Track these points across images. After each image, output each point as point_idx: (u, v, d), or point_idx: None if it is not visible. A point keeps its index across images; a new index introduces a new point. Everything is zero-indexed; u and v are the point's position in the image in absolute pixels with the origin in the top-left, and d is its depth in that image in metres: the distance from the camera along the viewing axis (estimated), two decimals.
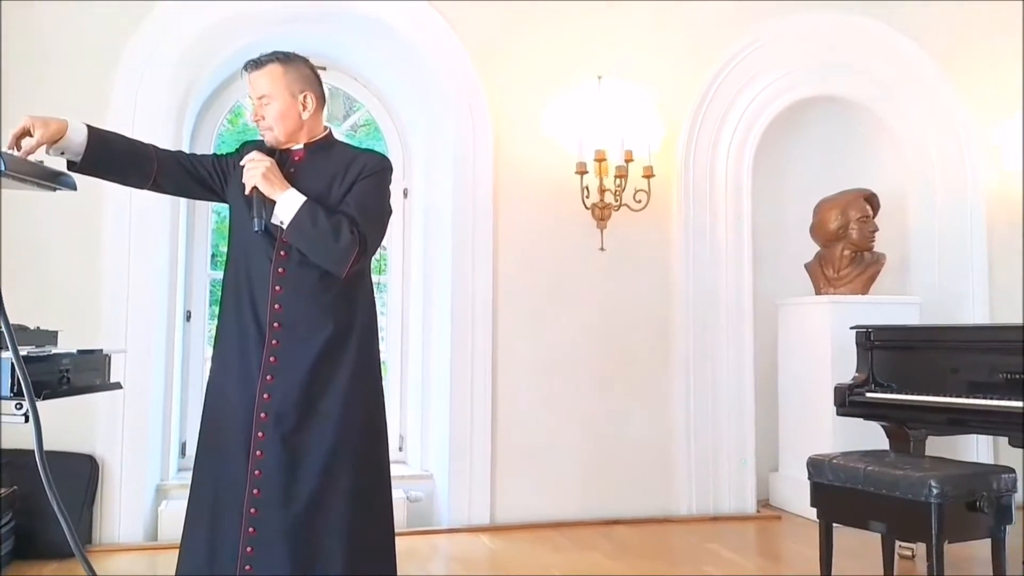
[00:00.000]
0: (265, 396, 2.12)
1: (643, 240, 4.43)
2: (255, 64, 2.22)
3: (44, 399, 1.62)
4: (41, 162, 1.92)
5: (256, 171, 2.15)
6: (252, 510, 2.10)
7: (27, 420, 1.65)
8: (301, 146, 2.27)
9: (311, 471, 2.11)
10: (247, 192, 2.17)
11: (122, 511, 3.71)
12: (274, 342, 2.14)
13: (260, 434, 2.11)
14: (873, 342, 3.46)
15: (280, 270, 2.16)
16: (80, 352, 1.85)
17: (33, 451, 3.78)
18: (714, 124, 4.55)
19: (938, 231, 4.86)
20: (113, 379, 2.03)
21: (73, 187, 1.97)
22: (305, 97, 2.23)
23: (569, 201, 4.31)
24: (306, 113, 2.24)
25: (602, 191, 4.31)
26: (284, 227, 2.14)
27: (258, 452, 2.11)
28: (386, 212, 2.28)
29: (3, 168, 1.48)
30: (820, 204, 4.58)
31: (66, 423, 3.48)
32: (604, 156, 4.28)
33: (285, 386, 2.13)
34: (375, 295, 2.36)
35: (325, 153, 2.27)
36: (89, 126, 2.10)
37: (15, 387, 1.60)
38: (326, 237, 2.10)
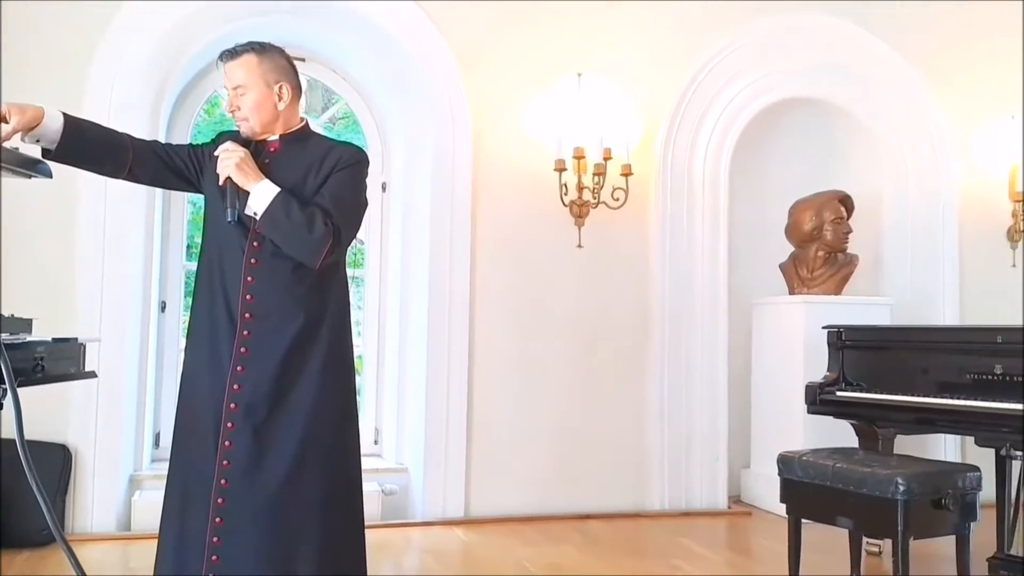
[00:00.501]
0: (236, 387, 2.13)
1: (621, 238, 4.47)
2: (230, 54, 2.22)
3: (19, 387, 1.61)
4: (16, 149, 1.91)
5: (230, 161, 2.14)
6: (220, 500, 2.10)
7: (0, 407, 1.64)
8: (276, 137, 2.26)
9: (280, 462, 2.12)
10: (221, 182, 2.16)
11: (95, 501, 3.69)
12: (245, 333, 2.14)
13: (230, 424, 2.12)
14: (844, 342, 3.50)
15: (253, 261, 2.16)
16: (55, 340, 1.84)
17: (4, 440, 3.72)
18: (693, 123, 4.59)
19: (911, 232, 4.95)
20: (88, 368, 2.02)
21: (49, 175, 1.96)
22: (281, 87, 2.23)
23: (547, 198, 4.34)
24: (282, 104, 2.23)
25: (580, 188, 4.34)
26: (257, 218, 2.14)
27: (227, 443, 2.11)
28: (361, 204, 2.28)
29: None
30: (795, 205, 4.64)
31: (39, 412, 3.43)
32: (583, 153, 4.31)
33: (256, 377, 2.13)
34: (350, 287, 2.36)
35: (301, 144, 2.27)
36: (65, 114, 2.09)
37: None
38: (299, 229, 2.10)
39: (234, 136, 2.27)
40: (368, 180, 2.33)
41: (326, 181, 2.19)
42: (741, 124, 4.69)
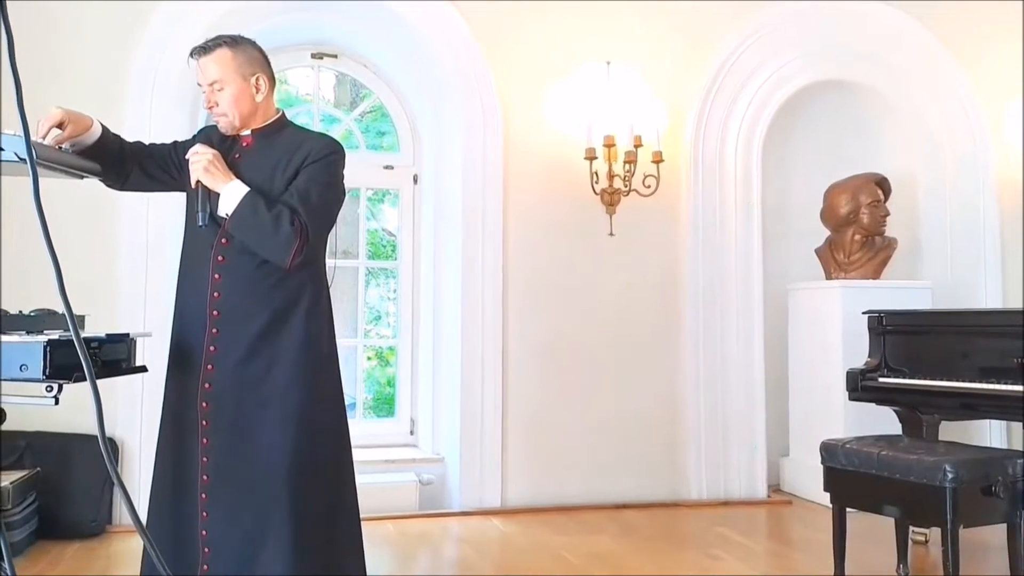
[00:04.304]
0: (207, 385, 2.13)
1: (652, 225, 4.44)
2: (203, 50, 2.18)
3: (75, 381, 1.65)
4: (69, 150, 1.94)
5: (198, 164, 2.12)
6: (203, 495, 2.12)
7: (57, 403, 1.68)
8: (249, 132, 2.23)
9: (255, 458, 2.11)
10: (193, 185, 2.15)
11: (141, 492, 3.73)
12: (214, 331, 2.14)
13: (204, 423, 2.13)
14: (885, 327, 3.46)
15: (220, 258, 2.15)
16: (109, 336, 1.88)
17: (55, 433, 3.77)
18: (723, 109, 4.55)
19: (950, 215, 4.84)
20: (137, 363, 2.06)
21: (99, 174, 1.99)
22: (257, 79, 2.20)
23: (578, 186, 4.32)
24: (259, 96, 2.21)
25: (611, 176, 4.32)
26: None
27: (204, 440, 2.13)
28: (334, 199, 2.22)
29: (35, 157, 1.50)
30: (830, 189, 4.57)
31: (86, 405, 3.51)
32: (613, 141, 4.28)
33: (223, 374, 2.13)
34: (326, 279, 2.28)
35: (274, 138, 2.23)
36: (103, 127, 2.13)
37: (47, 370, 1.63)
38: (266, 229, 2.07)
39: (214, 131, 2.25)
40: (345, 171, 2.26)
41: (296, 176, 2.15)
42: (772, 108, 4.63)
